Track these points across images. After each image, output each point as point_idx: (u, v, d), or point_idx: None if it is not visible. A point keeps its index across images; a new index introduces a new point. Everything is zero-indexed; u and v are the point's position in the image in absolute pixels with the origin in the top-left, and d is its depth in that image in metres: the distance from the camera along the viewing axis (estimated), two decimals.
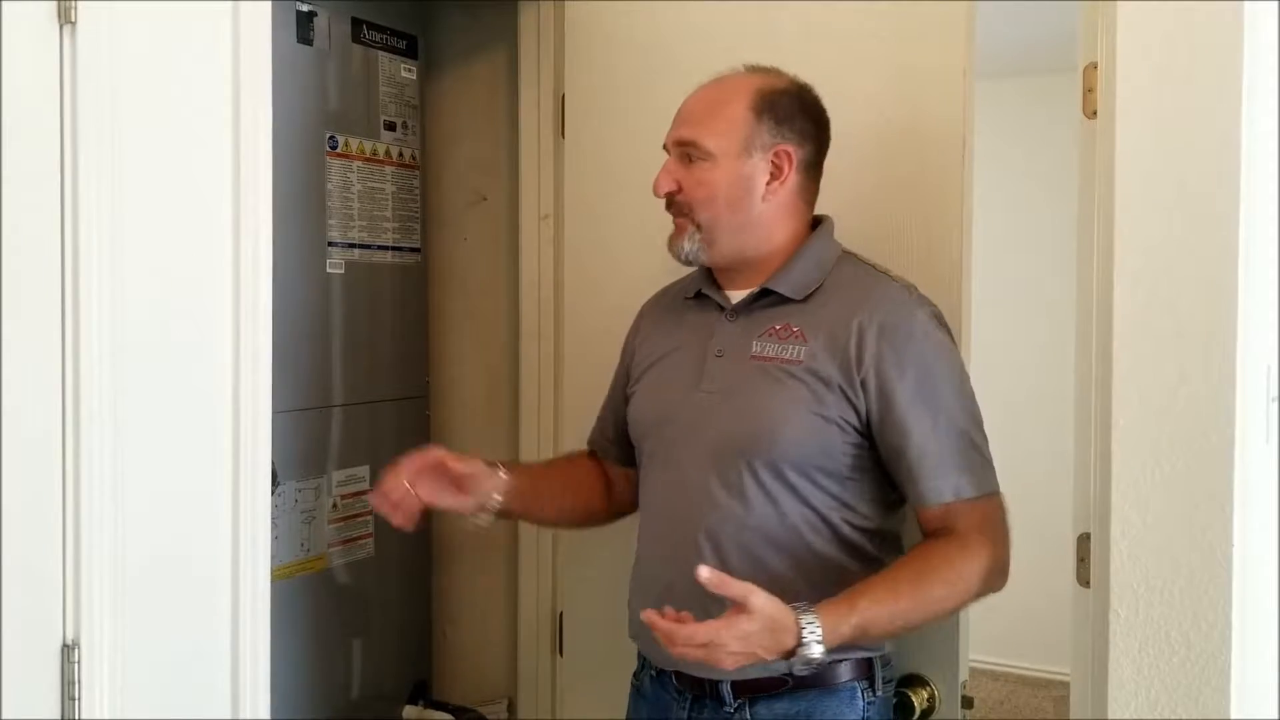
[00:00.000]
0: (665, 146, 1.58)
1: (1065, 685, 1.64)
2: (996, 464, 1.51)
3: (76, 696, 1.24)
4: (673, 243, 1.56)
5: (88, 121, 1.23)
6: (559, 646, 2.12)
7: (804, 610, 1.33)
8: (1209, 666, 1.31)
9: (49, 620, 1.23)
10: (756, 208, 1.54)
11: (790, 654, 1.33)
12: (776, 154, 1.53)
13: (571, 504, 1.75)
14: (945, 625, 1.66)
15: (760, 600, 1.31)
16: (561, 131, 2.08)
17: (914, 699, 1.66)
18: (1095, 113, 1.44)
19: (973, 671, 1.76)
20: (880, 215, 1.74)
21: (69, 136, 1.22)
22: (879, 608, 1.38)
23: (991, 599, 1.48)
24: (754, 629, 1.31)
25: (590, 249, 2.01)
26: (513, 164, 2.17)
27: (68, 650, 1.24)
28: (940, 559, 1.44)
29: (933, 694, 1.67)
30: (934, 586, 1.42)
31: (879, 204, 1.74)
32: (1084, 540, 1.48)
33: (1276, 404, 1.37)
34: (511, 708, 2.20)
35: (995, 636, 4.15)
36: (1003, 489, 1.50)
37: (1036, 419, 4.10)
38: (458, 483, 1.59)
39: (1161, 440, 1.33)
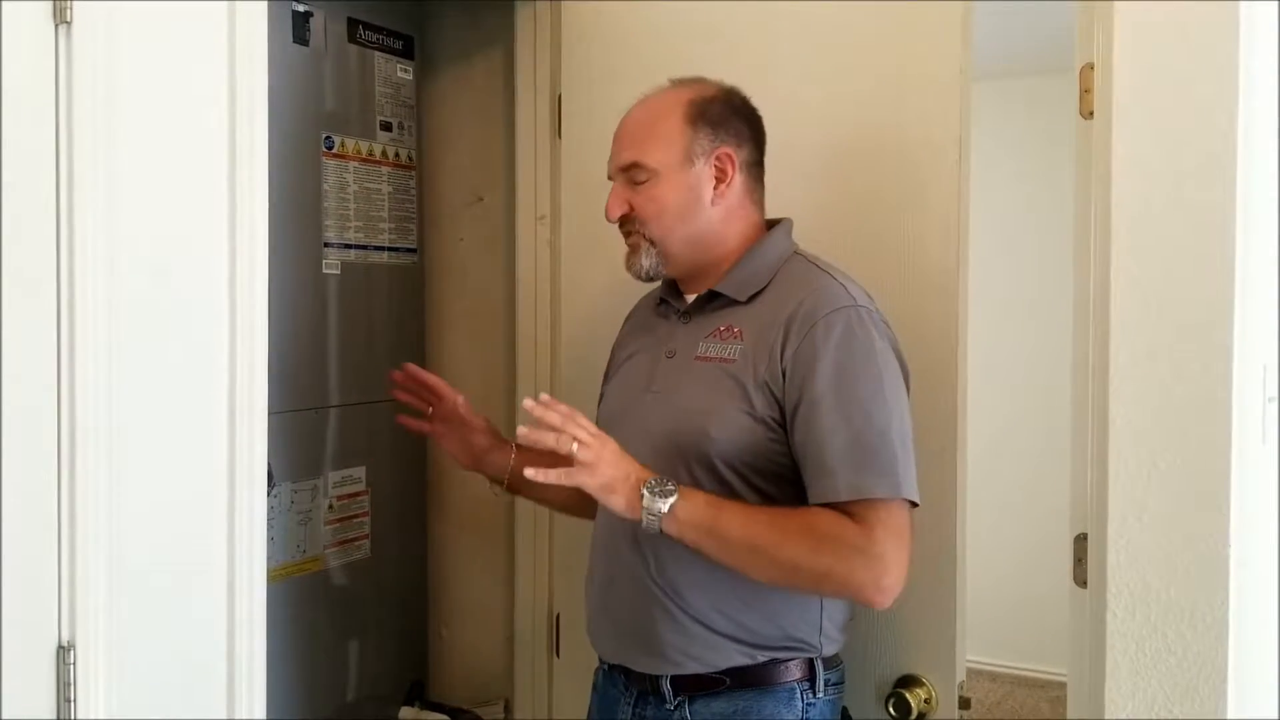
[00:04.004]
0: (610, 175, 1.61)
1: (1062, 686, 1.64)
2: (994, 464, 1.51)
3: (72, 698, 1.24)
4: (630, 262, 1.60)
5: (83, 122, 1.23)
6: (555, 648, 2.12)
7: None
8: (1206, 666, 1.31)
9: (45, 621, 1.23)
10: (706, 214, 1.57)
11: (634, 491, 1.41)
12: (719, 158, 1.56)
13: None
14: (942, 626, 1.67)
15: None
16: (558, 132, 2.07)
17: (911, 700, 1.66)
18: (1092, 113, 1.44)
19: (970, 672, 1.76)
20: (877, 216, 1.74)
21: (64, 137, 1.22)
22: (736, 510, 1.44)
23: (991, 600, 1.48)
24: (604, 443, 1.42)
25: (586, 250, 2.01)
26: (509, 164, 2.17)
27: (63, 651, 1.24)
28: (826, 519, 1.41)
29: (930, 694, 1.67)
30: (802, 537, 1.41)
31: (875, 205, 1.74)
32: (1081, 541, 1.48)
33: (1274, 404, 1.38)
34: (508, 709, 2.20)
35: (992, 637, 4.16)
36: (1001, 489, 1.50)
37: (1033, 420, 4.09)
38: (469, 444, 1.74)
39: (1158, 440, 1.33)
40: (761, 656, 1.50)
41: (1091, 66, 1.45)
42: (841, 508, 1.41)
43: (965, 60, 1.68)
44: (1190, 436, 1.31)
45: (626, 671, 1.58)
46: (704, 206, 1.57)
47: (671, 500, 1.40)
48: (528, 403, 1.42)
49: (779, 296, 1.53)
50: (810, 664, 1.52)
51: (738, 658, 1.50)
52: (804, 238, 1.64)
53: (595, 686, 1.68)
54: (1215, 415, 1.30)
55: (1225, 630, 1.30)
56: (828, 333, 1.45)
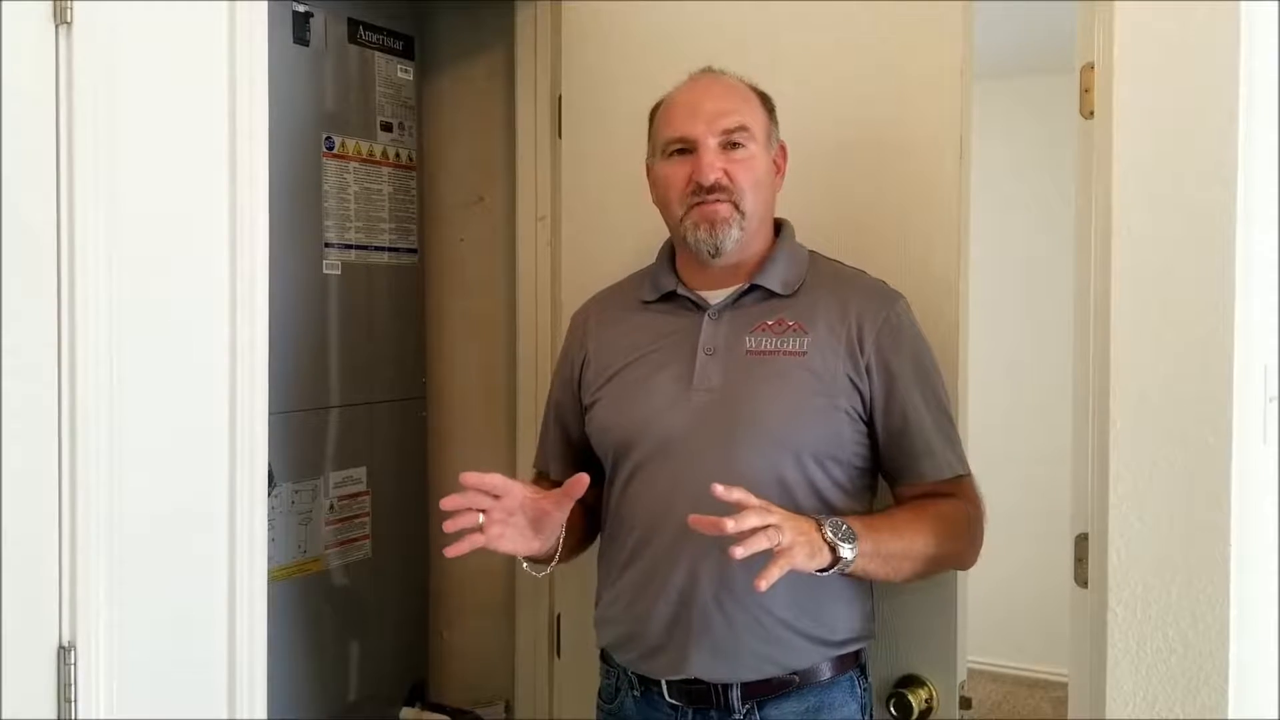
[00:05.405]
0: (678, 141, 1.52)
1: (1063, 686, 1.64)
2: (994, 464, 1.52)
3: (73, 699, 1.24)
4: (715, 232, 1.50)
5: (83, 123, 1.23)
6: (556, 648, 2.12)
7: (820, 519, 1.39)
8: (1207, 666, 1.31)
9: (45, 622, 1.23)
10: (770, 199, 1.58)
11: (823, 537, 1.36)
12: (780, 150, 1.60)
13: (576, 542, 1.64)
14: (943, 626, 1.67)
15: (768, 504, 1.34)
16: (559, 132, 2.07)
17: (912, 699, 1.66)
18: (1092, 113, 1.44)
19: (971, 672, 1.76)
20: (878, 216, 1.74)
21: (64, 138, 1.22)
22: (883, 525, 1.45)
23: (992, 600, 1.48)
24: (782, 513, 1.34)
25: (587, 250, 2.01)
26: (510, 165, 2.17)
27: (64, 652, 1.24)
28: (945, 506, 1.51)
29: (931, 694, 1.67)
30: (935, 528, 1.48)
31: (876, 205, 1.74)
32: (1082, 541, 1.48)
33: (1274, 404, 1.37)
34: (509, 710, 2.20)
35: (994, 637, 4.16)
36: (1001, 489, 1.52)
37: (1034, 419, 4.09)
38: (537, 523, 1.48)
39: (1159, 440, 1.33)
40: (833, 652, 1.50)
41: (1092, 66, 1.45)
42: (931, 487, 1.50)
43: (966, 60, 1.68)
44: (1191, 436, 1.31)
45: (679, 687, 1.51)
46: (773, 190, 1.59)
47: (856, 543, 1.37)
48: (719, 490, 1.29)
49: (828, 292, 1.54)
50: (858, 654, 1.55)
51: (812, 656, 1.49)
52: (806, 237, 1.64)
53: (620, 714, 1.59)
54: (1216, 415, 1.30)
55: (1227, 630, 1.30)
56: (899, 323, 1.52)
